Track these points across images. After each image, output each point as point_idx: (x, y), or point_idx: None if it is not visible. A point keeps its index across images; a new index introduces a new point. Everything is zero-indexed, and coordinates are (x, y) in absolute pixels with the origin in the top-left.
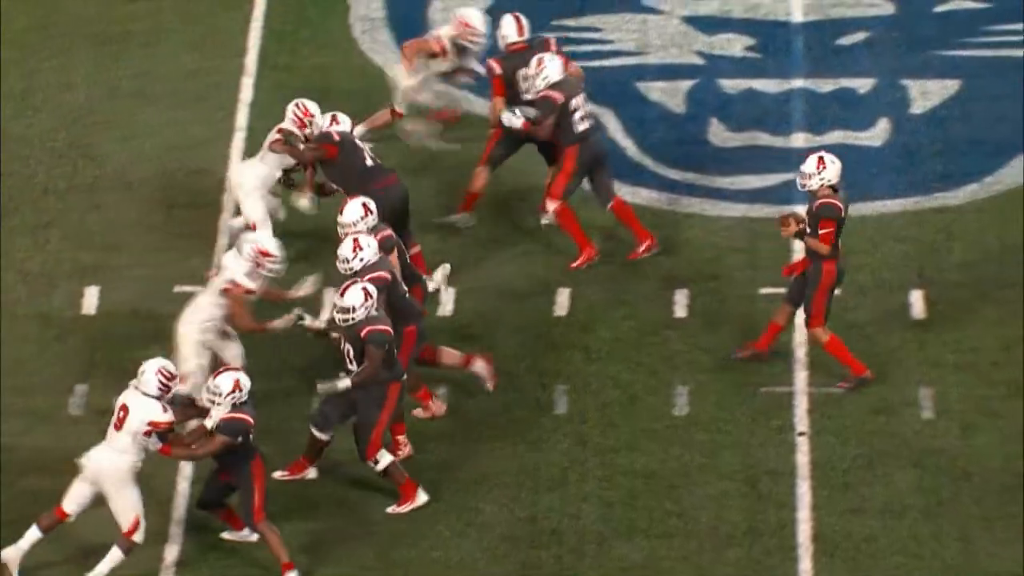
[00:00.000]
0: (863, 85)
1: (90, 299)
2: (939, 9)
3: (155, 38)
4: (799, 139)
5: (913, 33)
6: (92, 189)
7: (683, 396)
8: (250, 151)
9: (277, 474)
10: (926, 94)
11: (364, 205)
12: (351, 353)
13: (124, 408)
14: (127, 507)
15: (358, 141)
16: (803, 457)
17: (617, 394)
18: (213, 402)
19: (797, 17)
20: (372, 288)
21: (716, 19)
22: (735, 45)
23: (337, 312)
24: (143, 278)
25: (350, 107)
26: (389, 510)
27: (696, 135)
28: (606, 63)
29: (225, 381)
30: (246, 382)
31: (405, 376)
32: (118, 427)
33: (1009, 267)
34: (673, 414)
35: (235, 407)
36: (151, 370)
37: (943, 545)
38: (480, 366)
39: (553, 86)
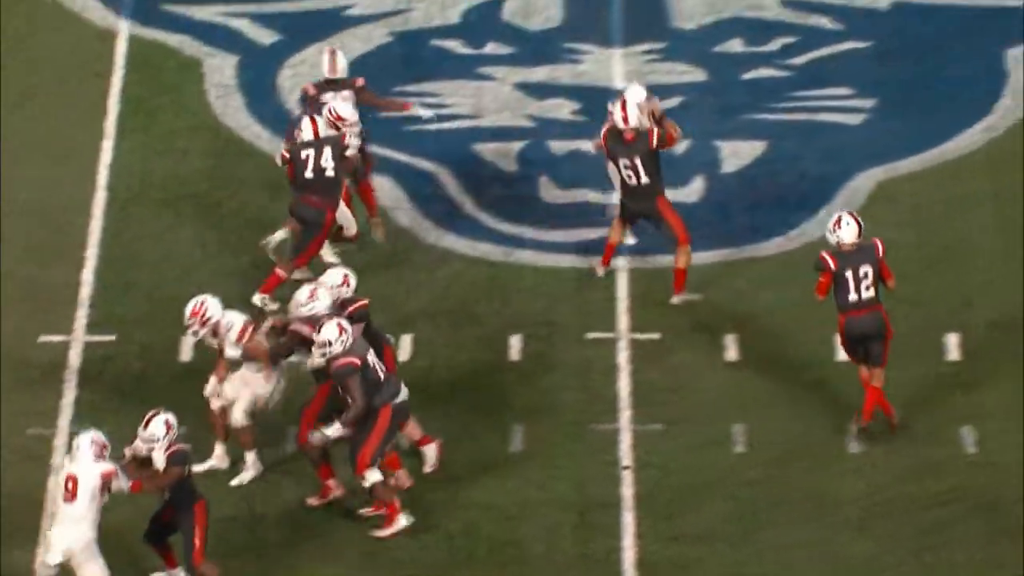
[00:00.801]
0: (679, 146)
1: None
2: (746, 77)
3: (24, 101)
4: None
5: (724, 99)
6: None
7: (518, 433)
8: (110, 209)
9: (311, 500)
10: (736, 154)
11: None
12: (341, 391)
13: (71, 479)
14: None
15: None
16: (628, 489)
17: (457, 431)
18: (152, 449)
19: (618, 84)
20: (346, 323)
21: (545, 86)
22: (562, 109)
23: (316, 349)
24: (12, 328)
25: (205, 166)
26: (373, 534)
27: (528, 192)
28: (444, 126)
29: (157, 427)
30: (174, 420)
31: (401, 399)
32: (71, 499)
33: (811, 312)
34: (509, 451)
35: (171, 444)
36: (85, 445)
37: (759, 569)
38: (431, 450)
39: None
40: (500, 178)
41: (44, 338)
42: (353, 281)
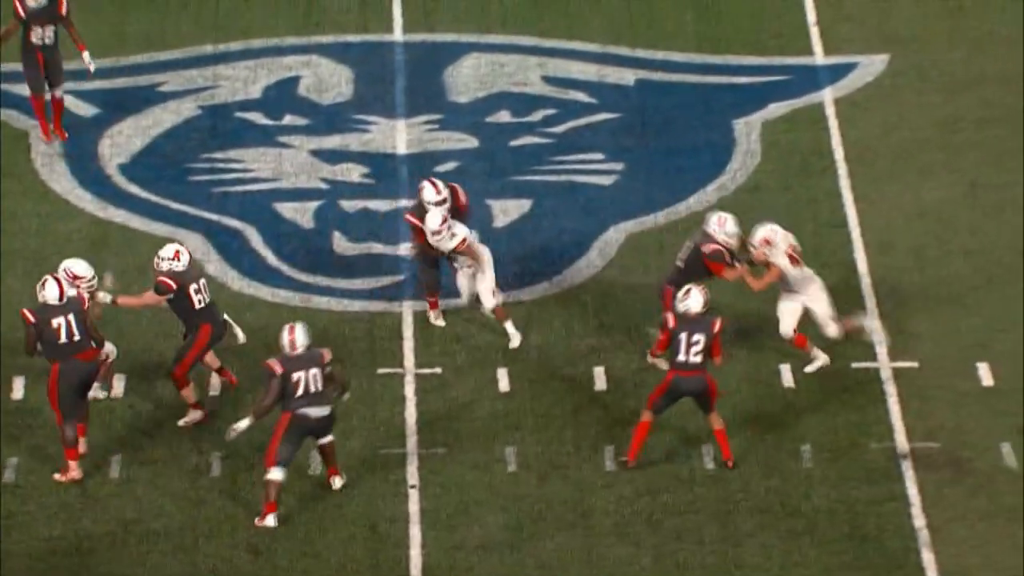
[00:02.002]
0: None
1: None
2: (513, 143)
3: None
4: (405, 248)
5: (494, 163)
6: None
7: (316, 457)
8: None
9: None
10: (505, 211)
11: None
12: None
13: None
14: None
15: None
16: (414, 505)
17: (261, 458)
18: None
19: (402, 150)
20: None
21: (337, 152)
22: (353, 173)
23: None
24: None
25: (33, 226)
26: (257, 521)
27: (323, 246)
28: (248, 188)
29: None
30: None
31: (298, 411)
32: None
33: (571, 347)
34: (309, 473)
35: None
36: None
37: (531, 572)
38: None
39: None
40: (298, 233)
41: None
42: (185, 257)
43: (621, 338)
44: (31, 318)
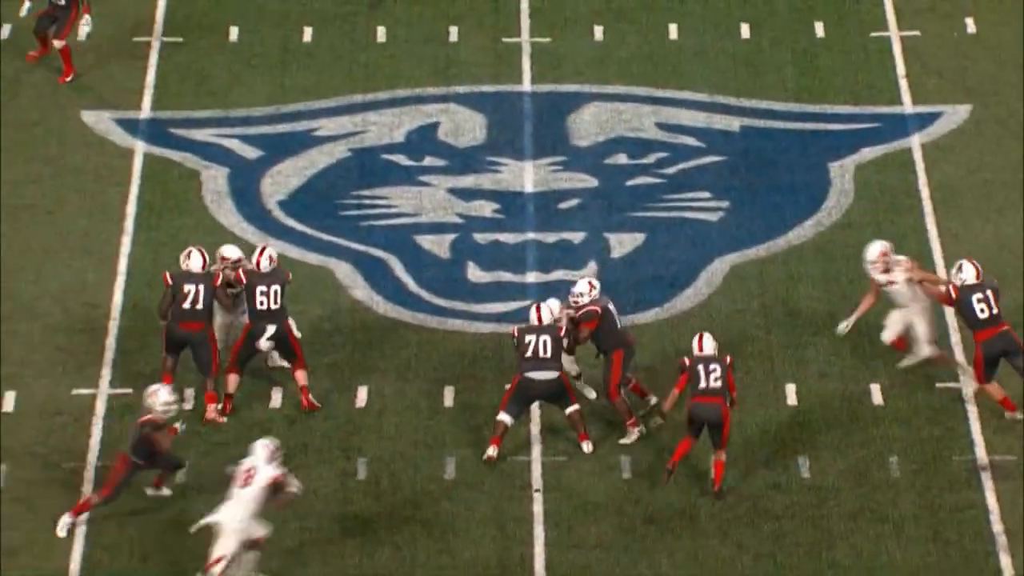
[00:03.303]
0: (577, 237)
1: (8, 401)
2: (629, 183)
3: (57, 207)
4: (532, 276)
5: (611, 200)
6: (7, 319)
7: (451, 464)
8: (129, 291)
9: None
10: (621, 244)
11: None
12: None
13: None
14: None
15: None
16: (538, 507)
17: (402, 464)
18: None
19: (529, 189)
20: None
21: (471, 190)
22: (485, 209)
23: None
24: (48, 385)
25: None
26: None
27: (458, 274)
28: (391, 222)
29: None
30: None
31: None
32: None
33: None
34: (444, 477)
35: None
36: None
37: (638, 571)
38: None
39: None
40: (436, 263)
41: (75, 391)
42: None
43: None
44: (169, 280)
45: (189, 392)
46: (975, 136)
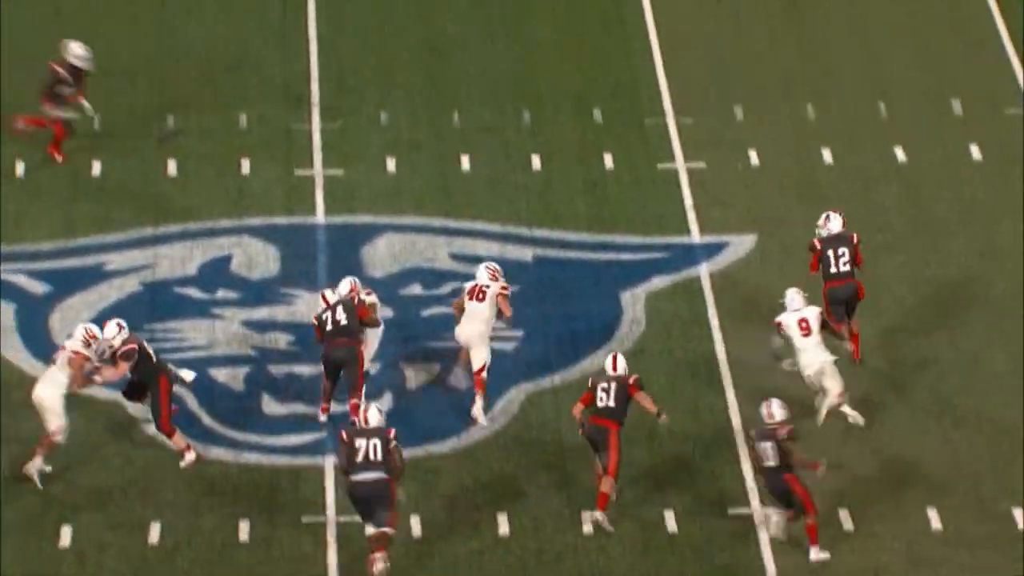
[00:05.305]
0: (373, 367)
1: None
2: (424, 314)
3: None
4: (328, 407)
5: (407, 331)
6: None
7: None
8: None
9: None
10: (417, 373)
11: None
12: None
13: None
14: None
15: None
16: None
17: None
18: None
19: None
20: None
21: (265, 322)
22: (280, 341)
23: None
24: None
25: None
26: None
27: (253, 406)
28: (185, 355)
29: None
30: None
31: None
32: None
33: (479, 497)
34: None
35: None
36: (80, 328)
37: None
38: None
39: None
40: (230, 395)
41: None
42: (124, 324)
43: (524, 486)
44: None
45: None
46: (761, 264)
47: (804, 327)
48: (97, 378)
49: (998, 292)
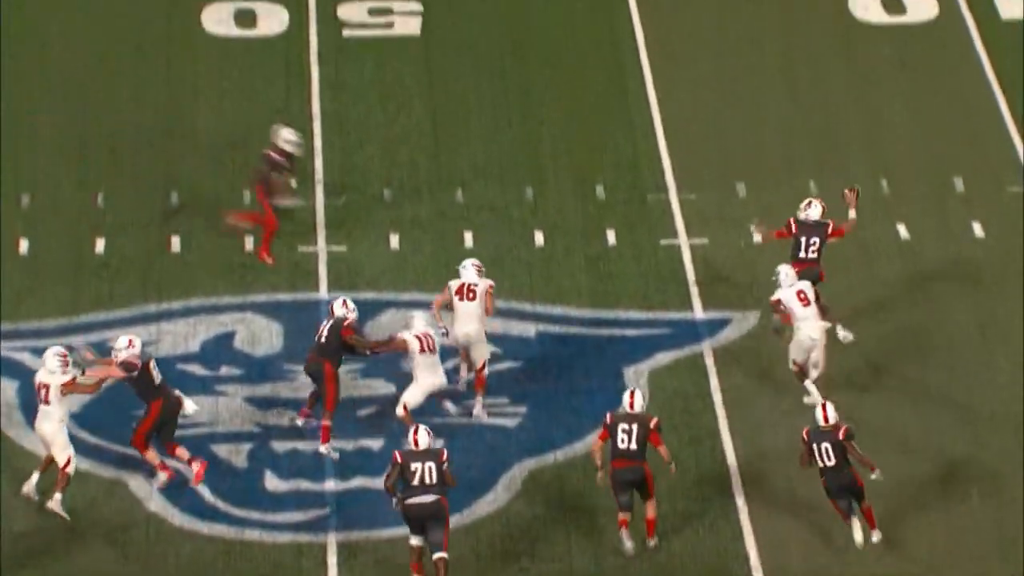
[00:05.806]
0: (376, 444)
1: None
2: None
3: None
4: (331, 484)
5: None
6: None
7: None
8: None
9: None
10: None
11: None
12: None
13: (44, 387)
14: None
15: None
16: None
17: None
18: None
19: None
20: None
21: (268, 398)
22: (283, 417)
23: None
24: None
25: None
26: None
27: (255, 483)
28: (187, 432)
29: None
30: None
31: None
32: (46, 402)
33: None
34: None
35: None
36: (51, 355)
37: None
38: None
39: None
40: (233, 472)
41: None
42: (138, 343)
43: (526, 562)
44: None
45: None
46: (763, 340)
47: (802, 298)
48: (88, 379)
49: (1000, 365)
